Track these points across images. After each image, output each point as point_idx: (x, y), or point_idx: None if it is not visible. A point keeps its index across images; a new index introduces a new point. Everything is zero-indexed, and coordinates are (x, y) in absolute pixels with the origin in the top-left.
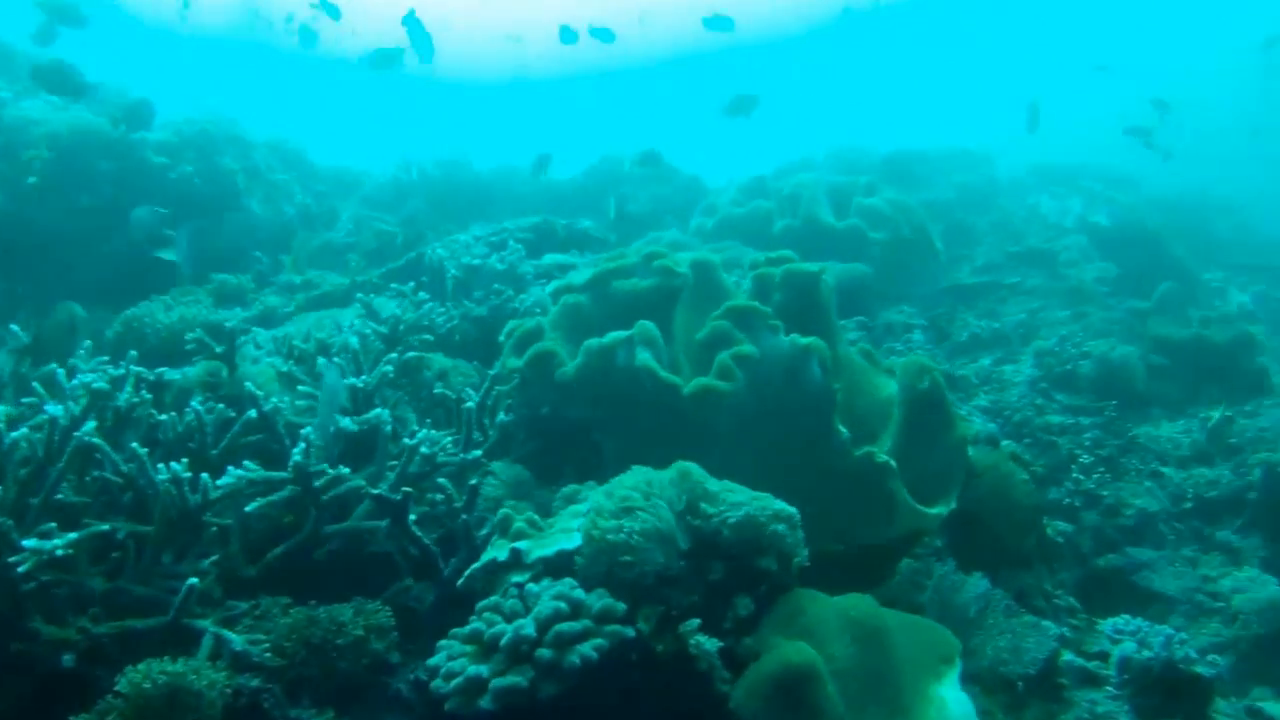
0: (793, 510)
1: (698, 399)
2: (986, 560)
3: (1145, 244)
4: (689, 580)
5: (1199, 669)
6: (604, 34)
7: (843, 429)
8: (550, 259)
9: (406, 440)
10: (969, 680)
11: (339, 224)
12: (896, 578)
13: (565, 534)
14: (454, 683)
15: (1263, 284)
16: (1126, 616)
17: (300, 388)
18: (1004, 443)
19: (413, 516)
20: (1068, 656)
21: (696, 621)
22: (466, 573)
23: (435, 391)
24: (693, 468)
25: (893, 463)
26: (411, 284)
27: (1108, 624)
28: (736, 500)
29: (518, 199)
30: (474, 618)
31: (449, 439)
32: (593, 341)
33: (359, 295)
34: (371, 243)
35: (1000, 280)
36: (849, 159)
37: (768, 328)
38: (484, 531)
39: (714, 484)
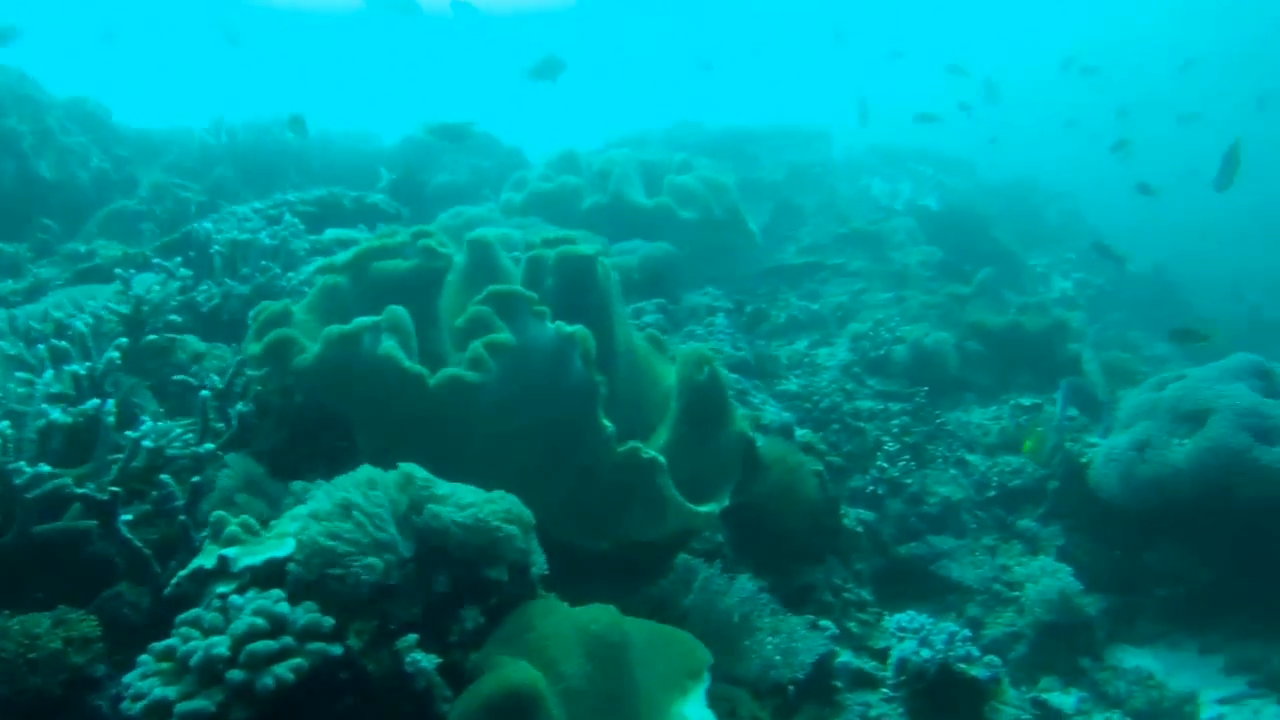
0: (527, 514)
1: (445, 391)
2: (774, 554)
3: (972, 229)
4: (411, 591)
5: (975, 671)
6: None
7: (607, 423)
8: (331, 234)
9: (129, 432)
10: (739, 685)
11: (137, 191)
12: (669, 578)
13: (279, 540)
14: (139, 705)
15: (1082, 272)
16: (912, 613)
17: (19, 374)
18: (800, 432)
19: (128, 516)
20: (845, 657)
21: (414, 637)
22: (173, 581)
23: (175, 379)
24: (415, 469)
25: (660, 459)
26: (178, 259)
27: (892, 621)
28: (466, 502)
29: (334, 168)
30: (173, 632)
31: (179, 430)
32: (333, 329)
33: (118, 270)
34: (167, 213)
35: (824, 261)
36: (681, 136)
37: (532, 314)
38: (204, 534)
39: (444, 486)
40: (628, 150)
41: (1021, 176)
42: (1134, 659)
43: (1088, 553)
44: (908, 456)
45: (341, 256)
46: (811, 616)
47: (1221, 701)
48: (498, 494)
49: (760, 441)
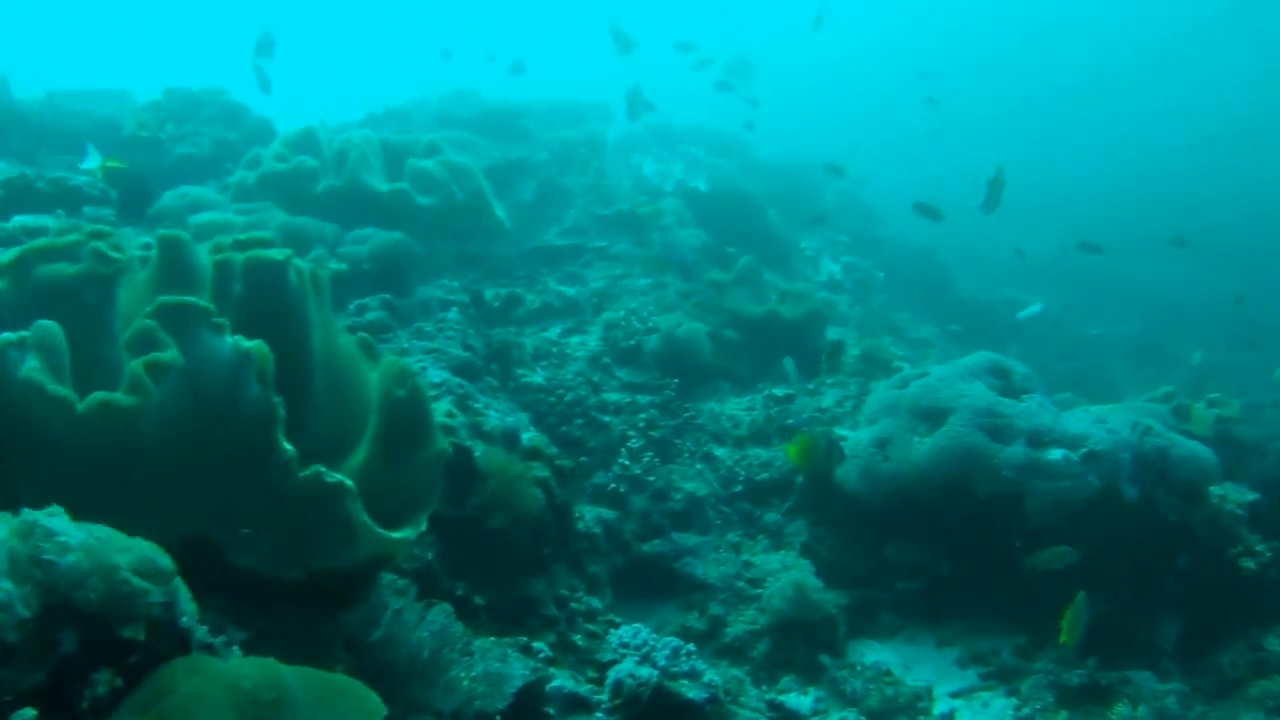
0: (164, 562)
1: (97, 419)
2: (493, 568)
3: (743, 211)
4: (33, 654)
5: (692, 694)
6: None
7: (288, 447)
8: (18, 222)
9: None
10: None
11: None
12: (362, 608)
13: None
14: None
15: (852, 255)
16: (637, 626)
17: None
18: (529, 435)
19: None
20: (561, 680)
21: (31, 712)
22: None
23: None
24: (39, 515)
25: (348, 483)
26: None
27: (615, 636)
28: (92, 550)
29: (68, 134)
30: None
31: None
32: None
33: None
34: None
35: (587, 244)
36: (454, 108)
37: (210, 327)
38: None
39: (75, 533)
40: (369, 131)
41: (798, 157)
42: (874, 654)
43: (831, 548)
44: (652, 452)
45: (2, 257)
46: (525, 638)
47: (954, 695)
48: (133, 541)
49: (479, 451)
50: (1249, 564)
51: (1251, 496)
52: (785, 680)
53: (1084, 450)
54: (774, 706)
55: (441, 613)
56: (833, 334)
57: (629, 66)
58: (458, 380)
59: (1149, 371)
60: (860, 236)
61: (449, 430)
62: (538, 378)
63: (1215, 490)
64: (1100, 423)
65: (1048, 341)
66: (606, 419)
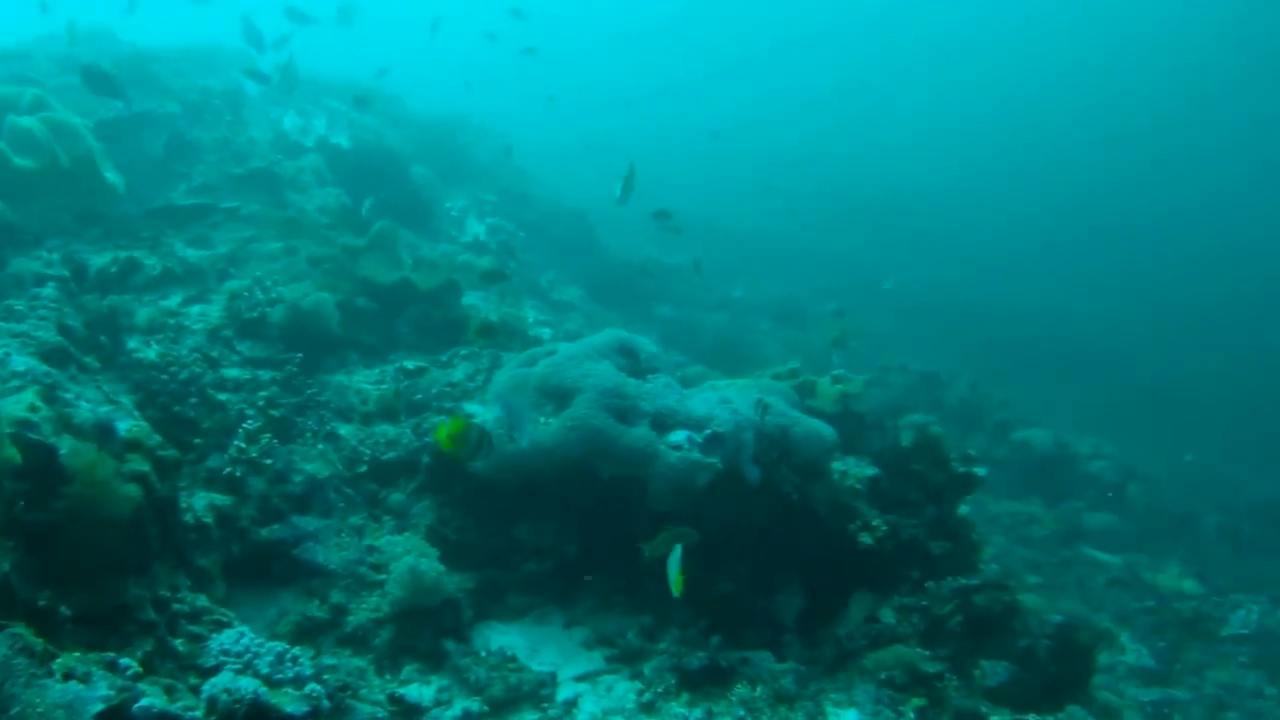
0: None
1: None
2: (83, 575)
3: (387, 170)
4: None
5: (290, 706)
6: None
7: None
8: None
9: None
10: None
11: None
12: None
13: None
14: None
15: (499, 216)
16: (241, 630)
17: None
18: (125, 425)
19: None
20: (149, 700)
21: None
22: None
23: None
24: None
25: None
26: None
27: (216, 641)
28: None
29: None
30: None
31: None
32: None
33: None
34: None
35: (217, 204)
36: (75, 52)
37: None
38: None
39: None
40: None
41: (452, 112)
42: (502, 638)
43: (459, 529)
44: (271, 433)
45: None
46: (113, 653)
47: (579, 679)
48: None
49: (65, 449)
50: (867, 539)
51: (871, 471)
52: (408, 670)
53: (708, 432)
54: (394, 700)
55: (5, 641)
56: (472, 299)
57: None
58: (45, 369)
59: (791, 333)
60: (511, 196)
61: (29, 426)
62: (151, 353)
63: (837, 466)
64: (725, 403)
65: (696, 303)
66: (224, 397)
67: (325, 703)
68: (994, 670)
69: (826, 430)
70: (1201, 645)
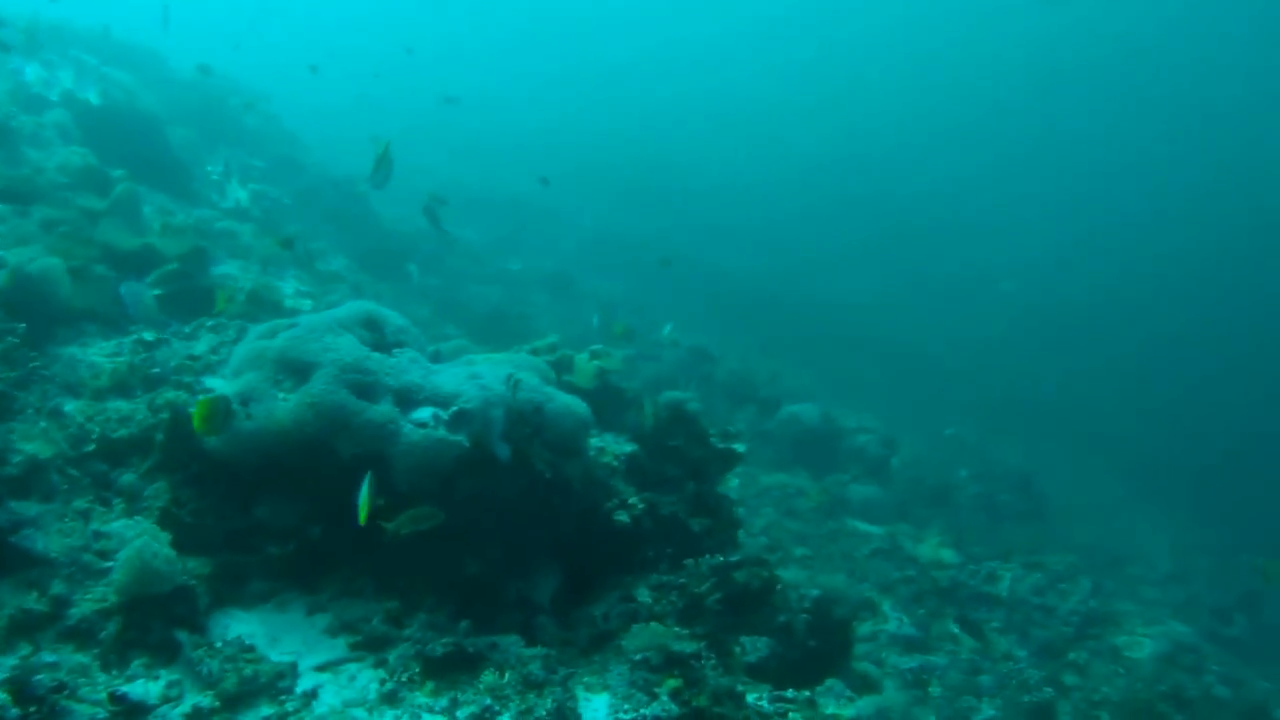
0: None
1: None
2: None
3: (141, 130)
4: None
5: None
6: None
7: None
8: None
9: None
10: None
11: None
12: None
13: None
14: None
15: (266, 183)
16: None
17: None
18: None
19: None
20: None
21: None
22: None
23: None
24: None
25: None
26: None
27: None
28: None
29: None
30: None
31: None
32: None
33: None
34: None
35: None
36: None
37: None
38: None
39: None
40: None
41: (224, 76)
42: (241, 625)
43: (195, 511)
44: None
45: None
46: None
47: (320, 669)
48: None
49: None
50: (623, 516)
51: (629, 448)
52: (136, 664)
53: (454, 409)
54: (116, 698)
55: None
56: (229, 268)
57: None
58: None
59: (563, 306)
60: (281, 162)
61: None
62: None
63: (594, 443)
64: (474, 379)
65: (467, 276)
66: None
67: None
68: (753, 646)
69: (581, 406)
70: (957, 612)
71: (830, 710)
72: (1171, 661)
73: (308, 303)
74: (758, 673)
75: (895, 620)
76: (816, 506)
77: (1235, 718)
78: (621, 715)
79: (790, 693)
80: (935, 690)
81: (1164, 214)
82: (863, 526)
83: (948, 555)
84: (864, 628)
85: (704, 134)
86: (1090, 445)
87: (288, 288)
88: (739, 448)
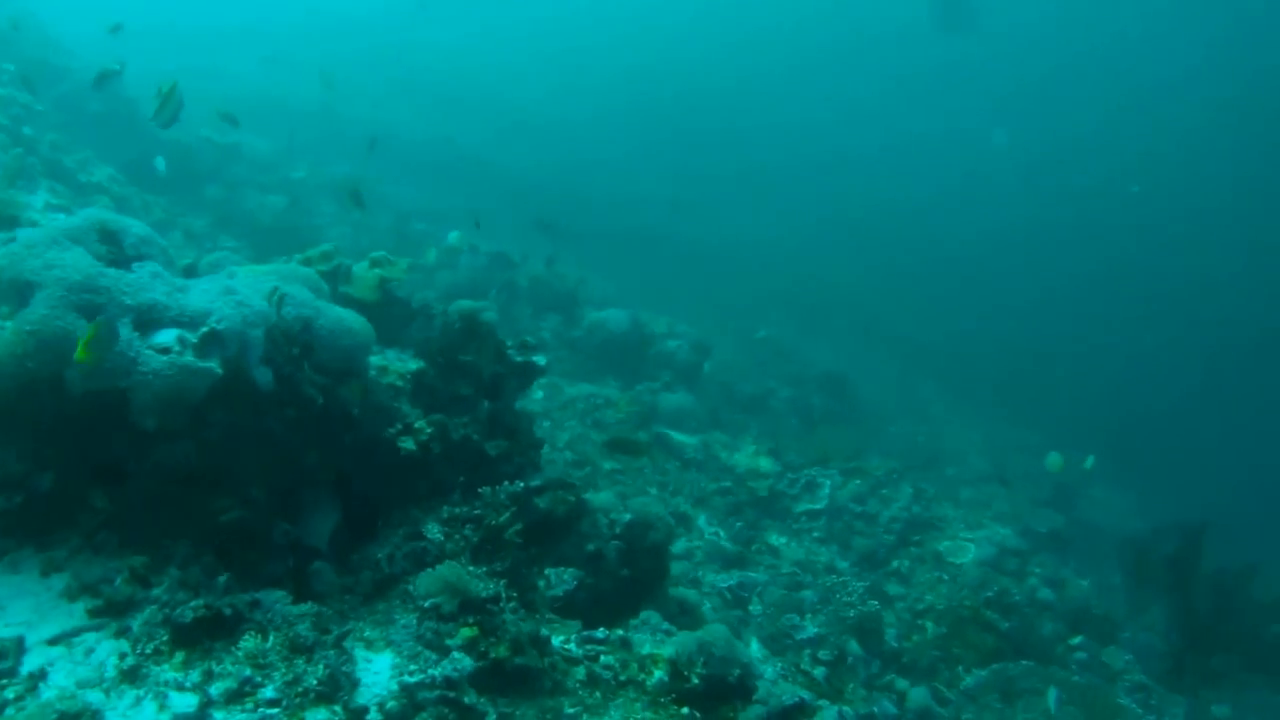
0: None
1: None
2: None
3: None
4: None
5: None
6: None
7: None
8: None
9: None
10: None
11: None
12: None
13: None
14: None
15: (13, 88)
16: None
17: None
18: None
19: None
20: None
21: None
22: None
23: None
24: None
25: None
26: None
27: None
28: None
29: None
30: None
31: None
32: None
33: None
34: None
35: None
36: None
37: None
38: None
39: None
40: None
41: None
42: None
43: None
44: None
45: None
46: None
47: (53, 641)
48: None
49: None
50: (409, 443)
51: (415, 365)
52: None
53: (204, 329)
54: None
55: None
56: None
57: None
58: None
59: (355, 215)
60: (38, 65)
61: None
62: None
63: (375, 361)
64: (229, 294)
65: (252, 185)
66: None
67: None
68: (560, 580)
69: (357, 321)
70: (778, 524)
71: (646, 650)
72: (995, 566)
73: (61, 216)
74: (566, 609)
75: (712, 535)
76: (626, 418)
77: (1060, 620)
78: (406, 678)
79: (601, 632)
80: (756, 608)
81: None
82: (676, 436)
83: (765, 464)
84: (679, 544)
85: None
86: (901, 349)
87: (37, 201)
88: (539, 360)
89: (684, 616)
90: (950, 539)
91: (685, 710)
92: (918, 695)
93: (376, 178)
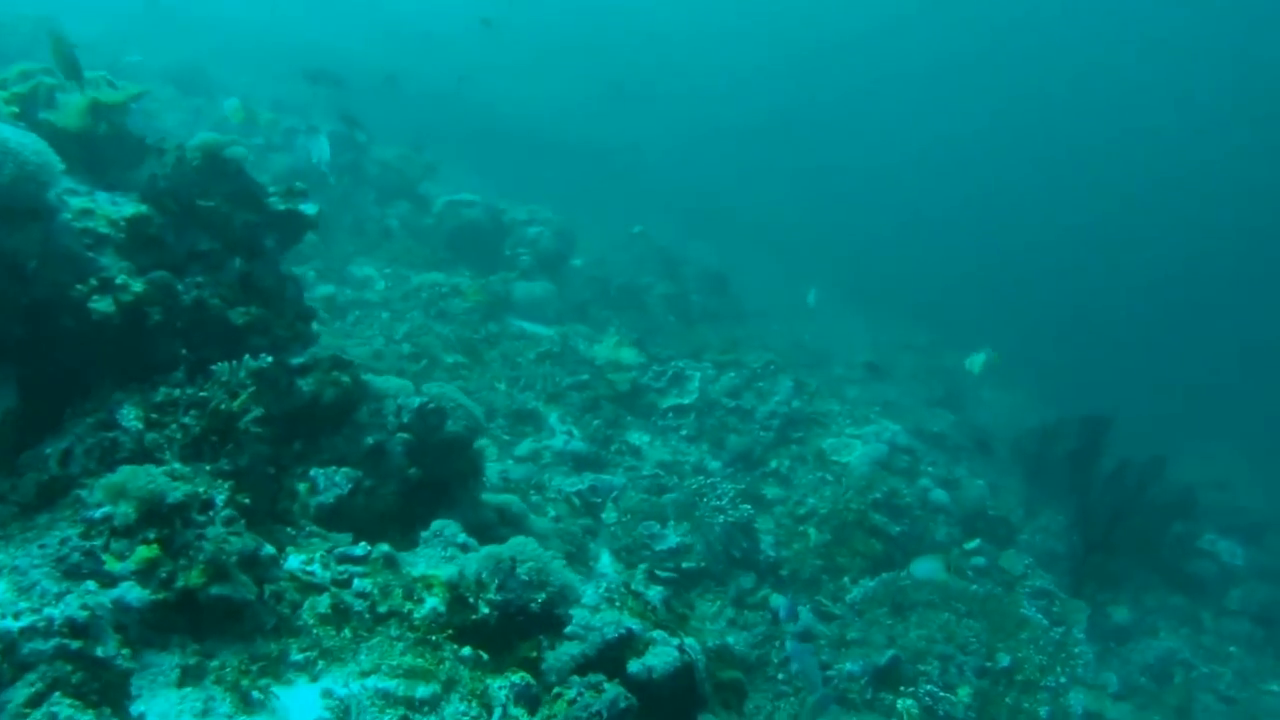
0: None
1: None
2: None
3: None
4: None
5: None
6: None
7: None
8: None
9: None
10: None
11: None
12: None
13: None
14: None
15: None
16: None
17: None
18: None
19: None
20: None
21: None
22: None
23: None
24: None
25: None
26: None
27: None
28: None
29: None
30: None
31: None
32: None
33: None
34: None
35: None
36: None
37: None
38: None
39: None
40: None
41: None
42: None
43: None
44: None
45: None
46: None
47: None
48: None
49: None
50: (104, 305)
51: (134, 210)
52: None
53: None
54: None
55: None
56: None
57: None
58: None
59: (194, 100)
60: None
61: None
62: None
63: (80, 203)
64: None
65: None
66: None
67: None
68: (330, 483)
69: (32, 143)
70: (641, 422)
71: (420, 570)
72: (885, 465)
73: None
74: (332, 519)
75: (564, 435)
76: (474, 307)
77: (955, 524)
78: (9, 623)
79: (361, 548)
80: (610, 516)
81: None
82: (530, 327)
83: (628, 355)
84: (523, 445)
85: None
86: (791, 256)
87: None
88: (308, 209)
89: (506, 528)
90: (835, 436)
91: (467, 651)
92: (801, 615)
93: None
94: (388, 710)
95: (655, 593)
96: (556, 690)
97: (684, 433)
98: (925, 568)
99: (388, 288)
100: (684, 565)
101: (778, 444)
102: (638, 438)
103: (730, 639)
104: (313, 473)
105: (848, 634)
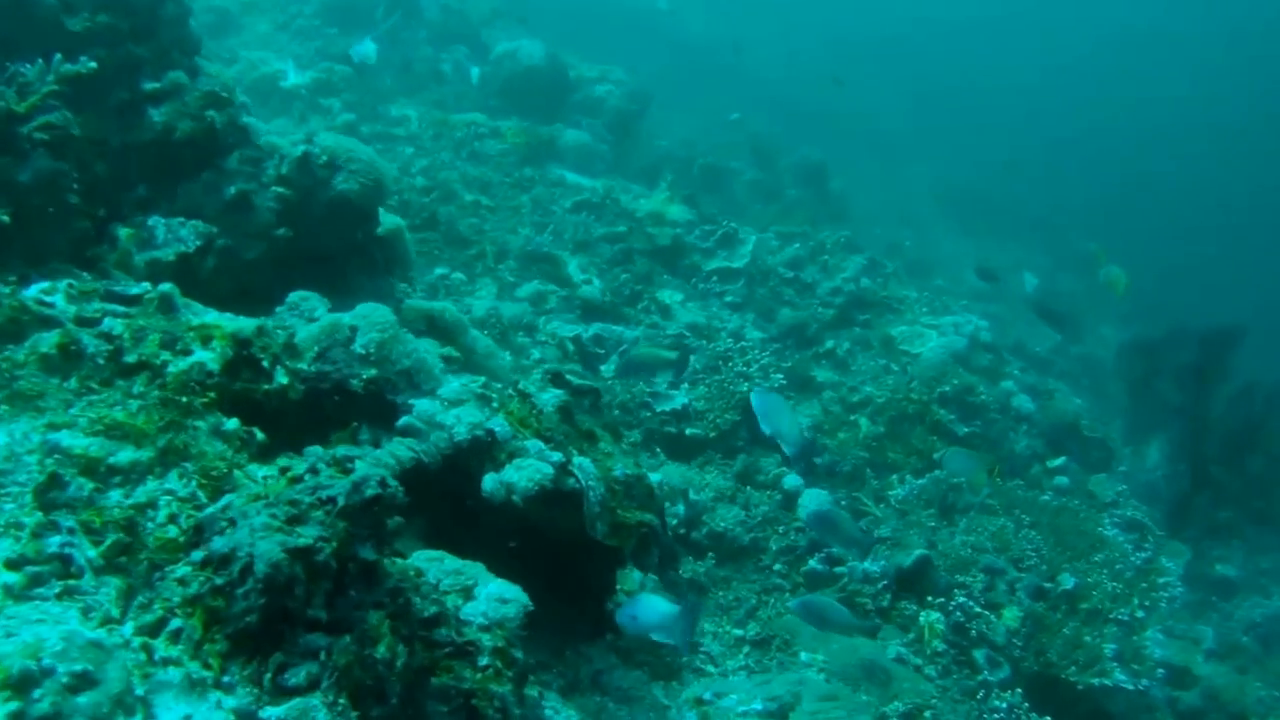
0: None
1: None
2: None
3: None
4: None
5: None
6: None
7: None
8: None
9: None
10: None
11: None
12: None
13: None
14: None
15: None
16: None
17: None
18: None
19: None
20: None
21: None
22: None
23: None
24: None
25: None
26: None
27: None
28: None
29: None
30: None
31: None
32: None
33: None
34: None
35: None
36: None
37: None
38: None
39: None
40: None
41: None
42: None
43: None
44: None
45: None
46: None
47: None
48: None
49: None
50: None
51: None
52: None
53: None
54: None
55: None
56: None
57: None
58: None
59: None
60: None
61: None
62: None
63: None
64: None
65: None
66: None
67: None
68: (169, 236)
69: None
70: (678, 282)
71: (203, 320)
72: (963, 361)
73: None
74: (177, 283)
75: (582, 281)
76: (512, 149)
77: (1039, 437)
78: None
79: (140, 288)
80: (608, 369)
81: None
82: (572, 176)
83: (676, 211)
84: (527, 287)
85: None
86: (903, 171)
87: None
88: None
89: (434, 334)
90: (908, 324)
91: (233, 424)
92: (809, 498)
93: None
94: (55, 468)
95: (550, 396)
96: (292, 473)
97: (728, 299)
98: (959, 463)
99: (420, 126)
100: (687, 431)
101: (838, 324)
102: (669, 296)
103: (722, 519)
104: (151, 221)
105: (878, 531)
